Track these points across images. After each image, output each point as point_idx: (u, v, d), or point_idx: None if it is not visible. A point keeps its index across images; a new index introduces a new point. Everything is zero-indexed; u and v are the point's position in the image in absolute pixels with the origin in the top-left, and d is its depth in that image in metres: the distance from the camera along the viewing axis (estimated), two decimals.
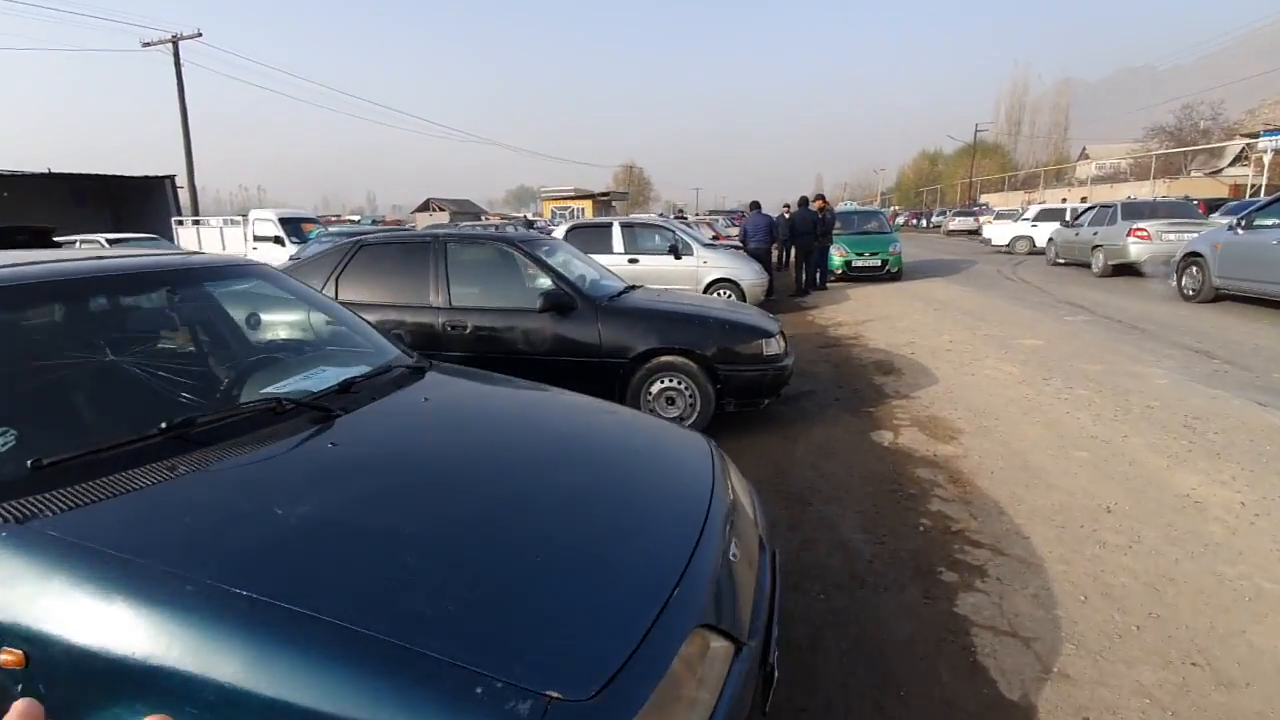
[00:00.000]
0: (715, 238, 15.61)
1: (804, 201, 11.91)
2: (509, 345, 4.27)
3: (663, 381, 4.21)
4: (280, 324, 2.70)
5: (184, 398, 1.94)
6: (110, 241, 10.86)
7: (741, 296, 9.02)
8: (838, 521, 3.09)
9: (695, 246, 9.10)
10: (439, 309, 4.37)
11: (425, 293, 4.42)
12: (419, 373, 2.45)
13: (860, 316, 9.07)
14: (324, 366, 2.35)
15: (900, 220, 45.71)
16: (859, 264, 12.72)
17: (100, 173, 16.46)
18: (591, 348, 4.20)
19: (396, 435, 1.93)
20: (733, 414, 4.30)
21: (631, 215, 16.81)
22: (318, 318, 2.73)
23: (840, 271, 12.70)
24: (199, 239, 13.98)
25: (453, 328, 4.31)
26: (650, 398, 4.24)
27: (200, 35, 17.80)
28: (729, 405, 4.22)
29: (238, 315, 2.60)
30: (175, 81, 17.68)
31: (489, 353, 4.28)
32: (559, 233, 9.42)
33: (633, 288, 5.06)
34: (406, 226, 29.14)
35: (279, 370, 2.27)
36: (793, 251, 12.22)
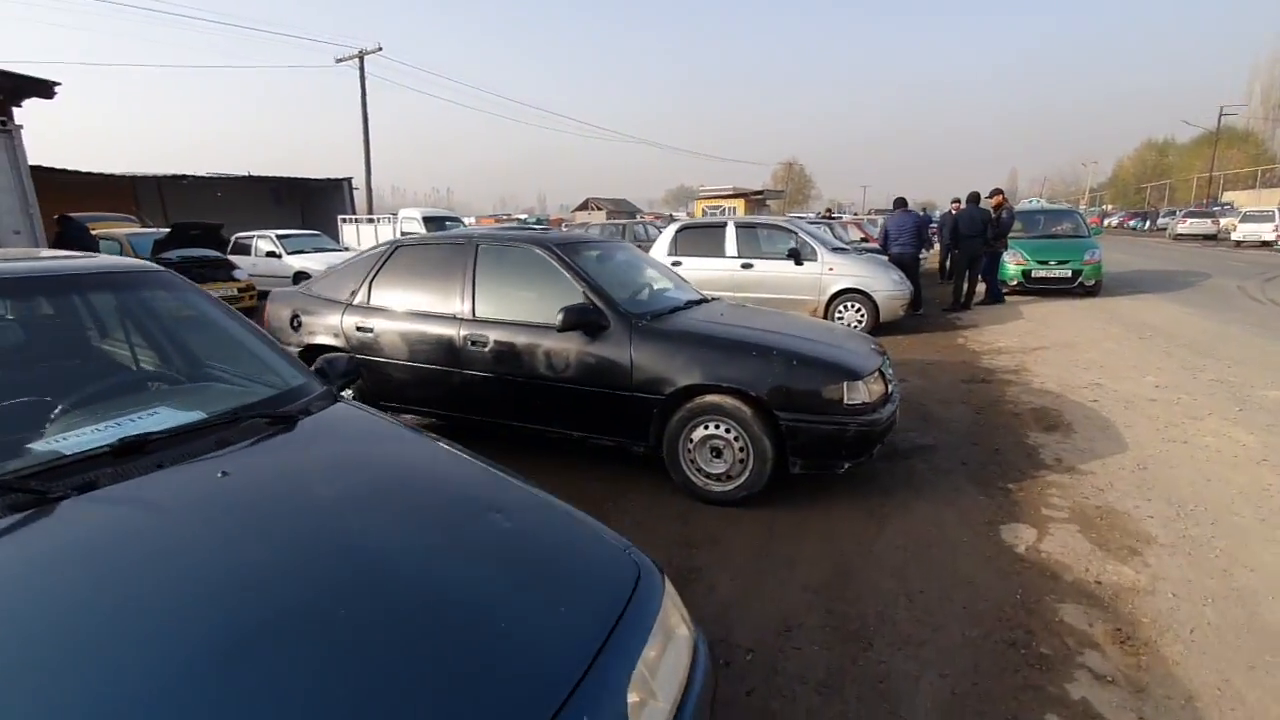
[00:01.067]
0: (864, 240, 13.92)
1: (974, 198, 9.96)
2: (529, 368, 3.58)
3: (707, 427, 3.28)
4: (158, 344, 2.22)
5: None
6: (280, 237, 11.97)
7: (874, 311, 7.62)
8: (903, 694, 1.99)
9: (820, 251, 7.84)
10: (462, 320, 3.81)
11: (452, 301, 3.88)
12: (286, 423, 1.83)
13: (1030, 342, 7.24)
14: (159, 407, 1.80)
15: (1110, 221, 38.92)
16: (1041, 274, 10.46)
17: (290, 176, 18.80)
18: (620, 378, 3.38)
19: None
20: (802, 475, 3.25)
21: (757, 215, 15.56)
22: (211, 339, 2.21)
23: (1016, 283, 10.54)
24: (358, 235, 15.27)
25: (473, 343, 3.73)
26: (691, 447, 3.32)
27: (380, 50, 19.59)
28: (795, 466, 3.18)
29: (114, 330, 2.17)
30: (360, 92, 19.62)
31: (509, 374, 3.63)
32: (667, 234, 8.64)
33: (700, 302, 4.15)
34: (563, 225, 30.09)
35: (98, 409, 1.75)
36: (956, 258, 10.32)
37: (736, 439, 3.22)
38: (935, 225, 12.58)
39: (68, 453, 1.51)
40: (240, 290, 9.75)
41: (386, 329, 4.02)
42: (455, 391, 3.86)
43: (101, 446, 1.53)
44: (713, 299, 4.42)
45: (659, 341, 3.36)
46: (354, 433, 1.92)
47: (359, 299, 4.22)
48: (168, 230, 9.98)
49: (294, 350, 4.44)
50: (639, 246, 5.39)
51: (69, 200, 12.95)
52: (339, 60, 19.94)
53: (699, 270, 8.16)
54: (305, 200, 19.85)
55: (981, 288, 10.20)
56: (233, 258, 10.92)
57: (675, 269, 8.12)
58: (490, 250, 3.96)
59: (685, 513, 3.24)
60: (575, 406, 3.55)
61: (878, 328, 7.63)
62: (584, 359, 3.46)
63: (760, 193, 36.42)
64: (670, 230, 8.73)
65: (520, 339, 3.62)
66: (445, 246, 4.13)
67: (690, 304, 4.02)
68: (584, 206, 55.61)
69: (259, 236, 12.05)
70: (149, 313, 2.22)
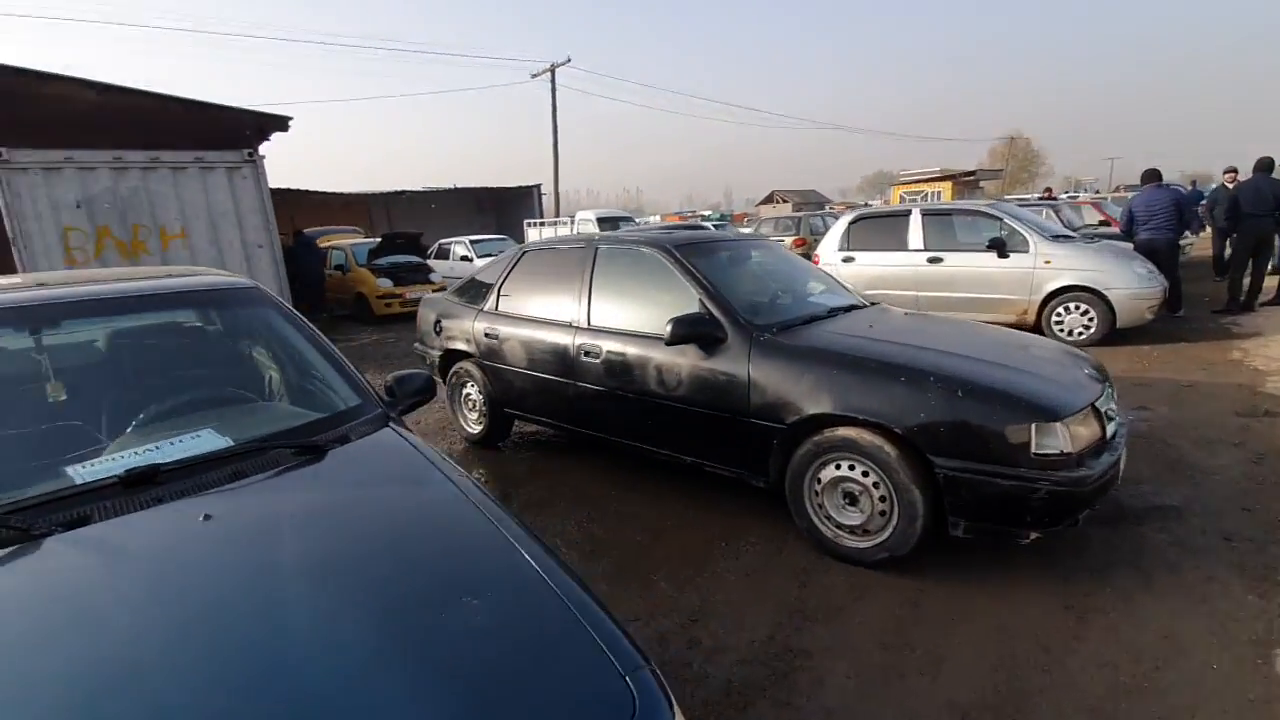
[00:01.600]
0: (1103, 223, 11.46)
1: (1265, 165, 7.55)
2: (640, 384, 3.23)
3: (839, 467, 2.66)
4: (230, 361, 2.22)
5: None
6: (472, 242, 13.07)
7: (1109, 314, 6.07)
8: None
9: (1033, 239, 6.43)
10: (577, 328, 3.58)
11: (569, 308, 3.67)
12: (313, 454, 1.68)
13: None
14: (205, 429, 1.75)
15: None
16: None
17: (488, 185, 20.69)
18: (736, 400, 2.88)
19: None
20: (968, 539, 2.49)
21: (957, 200, 13.55)
22: (283, 356, 2.17)
23: None
24: (540, 237, 16.24)
25: (586, 353, 3.48)
26: (819, 489, 2.73)
27: (569, 61, 20.69)
28: (956, 527, 2.44)
29: (191, 347, 2.22)
30: (550, 103, 20.92)
31: (619, 389, 3.32)
32: (838, 227, 7.73)
33: (849, 309, 3.47)
34: (745, 220, 29.43)
35: (152, 429, 1.74)
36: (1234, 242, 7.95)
37: (876, 485, 2.56)
38: (1205, 203, 9.90)
39: (78, 481, 1.48)
40: (435, 291, 10.76)
41: (510, 335, 3.94)
42: (569, 404, 3.65)
43: (111, 477, 1.47)
44: (869, 304, 3.70)
45: (783, 358, 2.80)
46: (371, 471, 1.72)
47: (489, 304, 4.20)
48: (378, 240, 11.34)
49: (435, 355, 4.59)
50: (816, 240, 4.77)
51: (317, 216, 15.48)
52: (534, 75, 21.44)
53: (875, 267, 7.19)
54: (501, 207, 21.75)
55: (1272, 282, 7.73)
56: (434, 262, 12.13)
57: (846, 266, 7.27)
58: (609, 254, 3.67)
59: (807, 569, 2.66)
60: (687, 429, 3.13)
61: (1113, 336, 6.07)
62: (697, 375, 3.01)
63: (972, 173, 32.30)
64: (842, 222, 7.81)
65: (632, 350, 3.28)
66: (568, 251, 3.93)
67: (834, 312, 3.37)
68: (769, 199, 54.04)
69: (455, 242, 13.26)
70: (229, 329, 2.26)
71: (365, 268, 10.83)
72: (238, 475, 1.56)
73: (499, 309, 4.12)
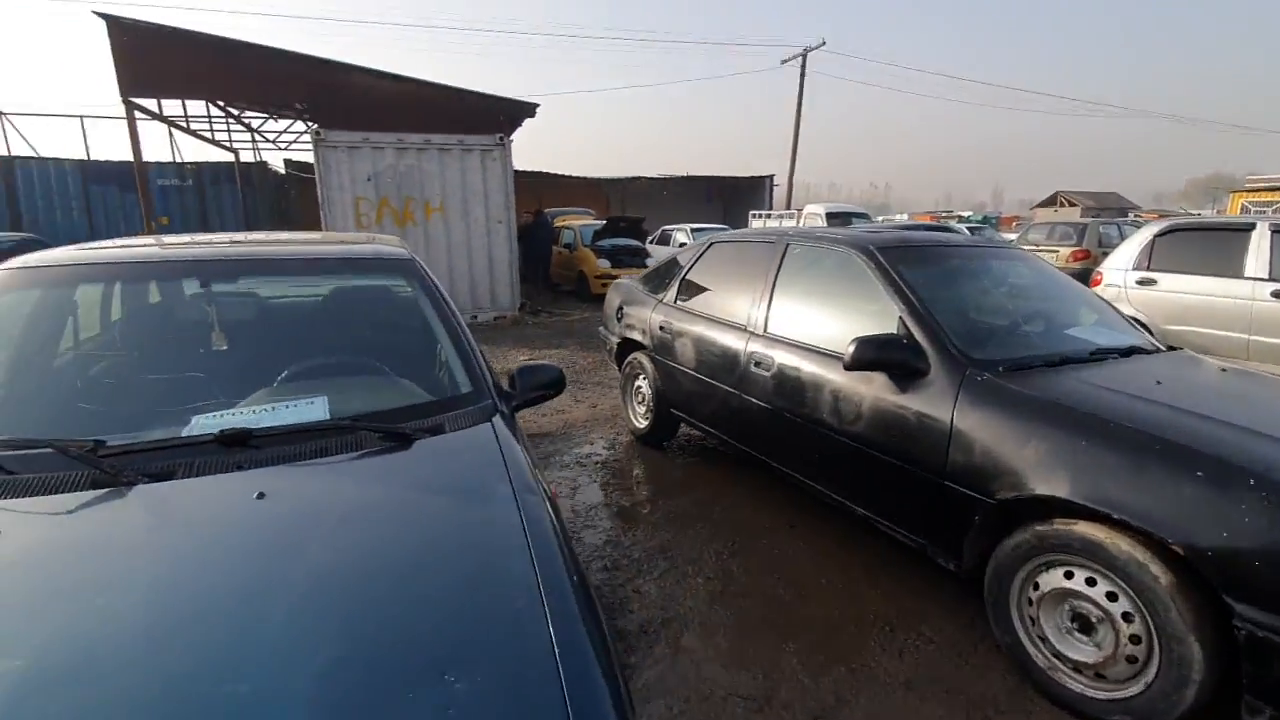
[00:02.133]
0: None
1: None
2: (811, 409, 2.70)
3: (1070, 576, 1.88)
4: (366, 331, 2.21)
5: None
6: (693, 230, 13.07)
7: None
8: None
9: None
10: (752, 334, 3.14)
11: (747, 309, 3.25)
12: (399, 441, 1.56)
13: None
14: (319, 397, 1.72)
15: None
16: None
17: (720, 175, 20.49)
18: (930, 452, 2.22)
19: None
20: None
21: None
22: (415, 331, 2.11)
23: None
24: (764, 228, 15.69)
25: (757, 364, 3.03)
26: (1034, 599, 1.97)
27: (824, 45, 19.50)
28: (1256, 714, 1.56)
29: (336, 313, 2.25)
30: (798, 90, 20.02)
31: (789, 411, 2.83)
32: (1138, 238, 6.01)
33: (1130, 352, 2.52)
34: (1014, 225, 25.53)
35: (279, 391, 1.77)
36: None
37: (1127, 617, 1.76)
38: None
39: (184, 434, 1.50)
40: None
41: (683, 331, 3.63)
42: (733, 416, 3.23)
43: (208, 435, 1.47)
44: (1163, 349, 2.67)
45: (1006, 408, 2.07)
46: (439, 473, 1.53)
47: (669, 296, 3.94)
48: (603, 222, 11.85)
49: (614, 341, 4.48)
50: (1106, 255, 3.65)
51: (560, 197, 16.79)
52: (784, 61, 20.70)
53: (1185, 295, 5.46)
54: (731, 197, 21.57)
55: None
56: (654, 247, 12.37)
57: (1141, 291, 5.67)
58: (800, 252, 3.15)
59: (997, 702, 1.95)
60: (861, 474, 2.53)
61: None
62: (881, 411, 2.40)
63: None
64: (1145, 232, 6.05)
65: (807, 367, 2.75)
66: (756, 246, 3.48)
67: (1102, 354, 2.46)
68: (1050, 201, 46.34)
69: (677, 229, 13.37)
70: (379, 299, 2.27)
71: (589, 248, 11.40)
72: (320, 452, 1.49)
73: (677, 302, 3.84)
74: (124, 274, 1.99)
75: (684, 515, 3.18)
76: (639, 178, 19.63)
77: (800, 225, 14.22)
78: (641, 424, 4.20)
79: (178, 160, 13.08)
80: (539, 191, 15.61)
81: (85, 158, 12.29)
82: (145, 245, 2.12)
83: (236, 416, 1.61)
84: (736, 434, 3.30)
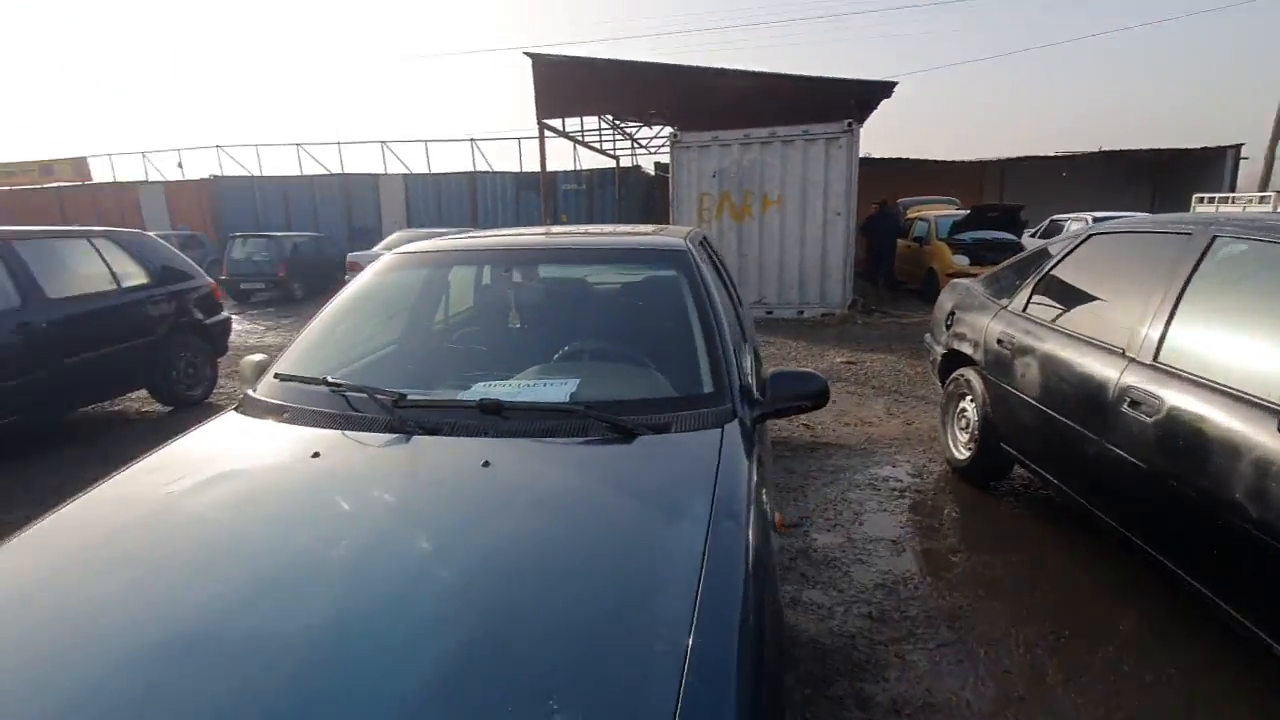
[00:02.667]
0: None
1: None
2: (1216, 483, 1.80)
3: None
4: (632, 317, 2.18)
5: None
6: (1096, 220, 10.45)
7: None
8: None
9: None
10: (1131, 361, 2.27)
11: (1127, 325, 2.36)
12: (622, 435, 1.53)
13: None
14: (575, 379, 1.79)
15: None
16: None
17: (1153, 147, 15.41)
18: None
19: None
20: None
21: None
22: (673, 322, 2.03)
23: None
24: (1218, 214, 11.42)
25: (1134, 403, 2.17)
26: None
27: None
28: None
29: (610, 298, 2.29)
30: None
31: (1177, 477, 1.96)
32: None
33: None
34: None
35: (548, 368, 1.91)
36: None
37: None
38: None
39: (457, 398, 1.69)
40: None
41: (1030, 347, 2.84)
42: (1086, 468, 2.39)
43: (472, 402, 1.63)
44: None
45: None
46: (643, 474, 1.42)
47: (1016, 302, 3.13)
48: (966, 212, 10.25)
49: (938, 352, 3.80)
50: None
51: (917, 185, 15.17)
52: None
53: None
54: (1166, 175, 16.30)
55: None
56: (1037, 241, 10.29)
57: None
58: (1237, 251, 2.13)
59: None
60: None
61: None
62: None
63: None
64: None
65: (1222, 419, 1.84)
66: (1160, 238, 2.49)
67: None
68: None
69: (1072, 219, 10.87)
70: (643, 290, 2.26)
71: (945, 241, 10.05)
72: (549, 432, 1.53)
73: (1027, 310, 3.02)
74: (455, 260, 2.38)
75: (992, 579, 2.50)
76: (1025, 158, 16.30)
77: (1277, 210, 10.09)
78: (961, 455, 3.47)
79: (576, 169, 15.93)
80: (895, 180, 14.37)
81: (518, 170, 15.88)
82: (478, 238, 2.50)
83: (502, 389, 1.75)
84: (1087, 491, 2.44)
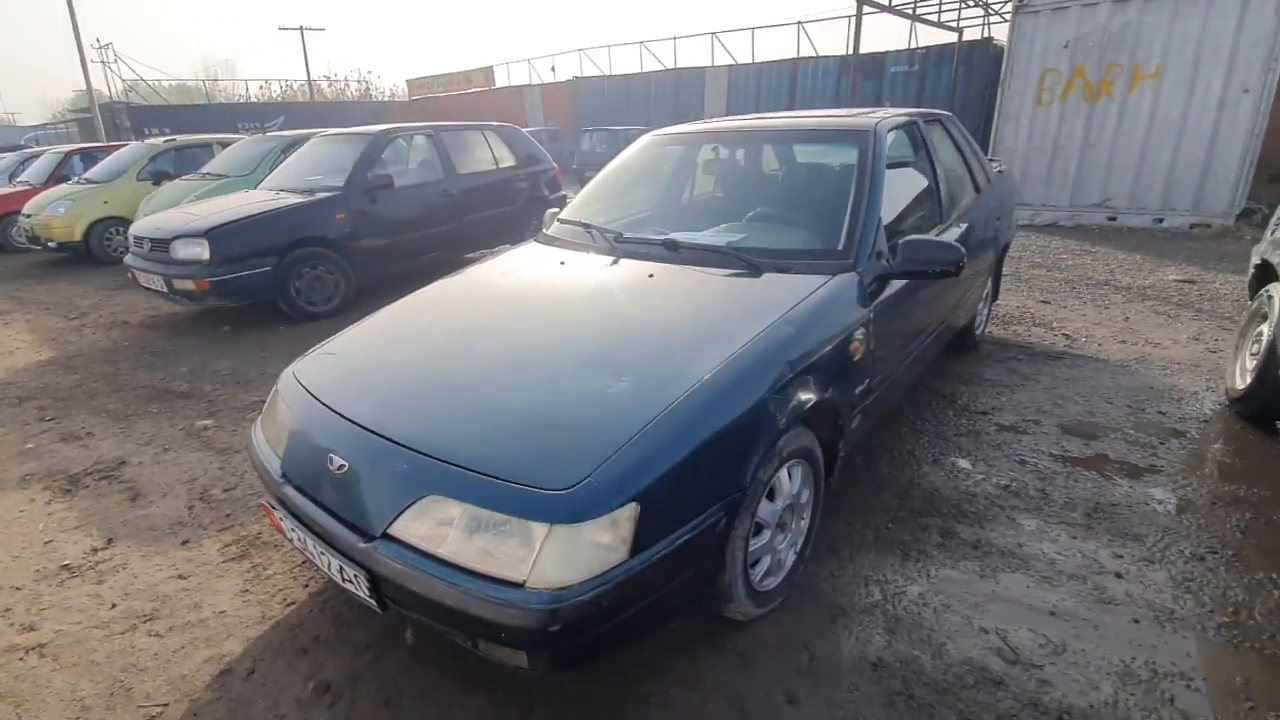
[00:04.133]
0: None
1: None
2: None
3: None
4: (810, 186, 2.51)
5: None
6: None
7: None
8: None
9: None
10: None
11: None
12: (750, 270, 2.08)
13: None
14: (740, 233, 2.35)
15: None
16: None
17: None
18: None
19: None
20: None
21: None
22: (841, 197, 2.35)
23: None
24: None
25: None
26: None
27: None
28: None
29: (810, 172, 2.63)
30: None
31: None
32: None
33: None
34: None
35: (729, 224, 2.48)
36: None
37: None
38: None
39: (656, 238, 2.38)
40: None
41: None
42: None
43: (657, 239, 2.31)
44: None
45: None
46: (758, 294, 1.96)
47: None
48: None
49: (1253, 264, 3.14)
50: None
51: None
52: None
53: None
54: None
55: None
56: None
57: None
58: None
59: None
60: None
61: None
62: None
63: None
64: None
65: None
66: None
67: None
68: None
69: None
70: (825, 166, 2.55)
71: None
72: (702, 262, 2.14)
73: None
74: (683, 140, 2.97)
75: (1181, 501, 2.34)
76: None
77: None
78: (1240, 384, 2.96)
79: (911, 48, 14.33)
80: None
81: (846, 53, 14.98)
82: (704, 125, 3.04)
83: (688, 235, 2.38)
84: None
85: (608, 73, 20.97)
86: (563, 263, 2.36)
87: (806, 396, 1.70)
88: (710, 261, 2.12)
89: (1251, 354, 2.96)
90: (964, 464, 2.60)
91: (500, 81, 25.46)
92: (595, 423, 1.41)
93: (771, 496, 1.72)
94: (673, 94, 18.42)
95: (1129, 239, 6.98)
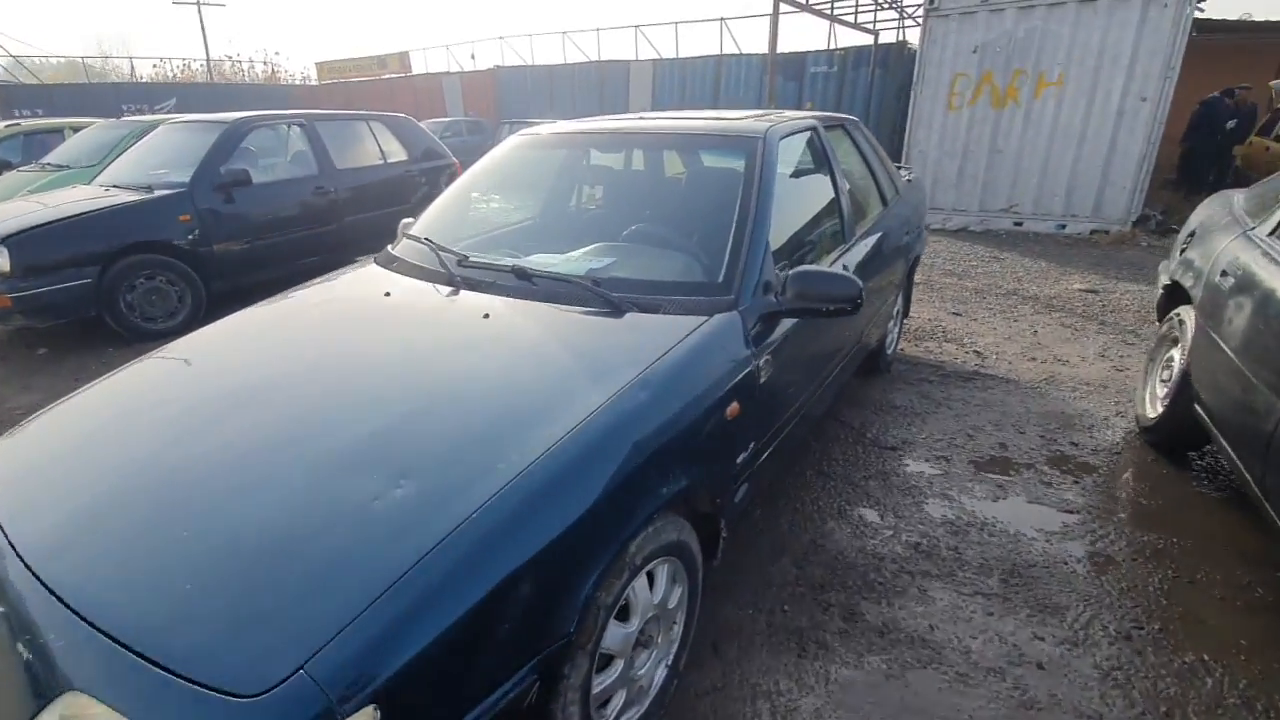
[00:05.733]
0: None
1: None
2: None
3: None
4: (688, 200, 2.14)
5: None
6: None
7: None
8: None
9: None
10: None
11: None
12: (608, 309, 1.68)
13: None
14: (606, 259, 1.94)
15: None
16: None
17: None
18: None
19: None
20: None
21: None
22: (728, 218, 1.99)
23: None
24: None
25: None
26: None
27: None
28: None
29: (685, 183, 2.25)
30: None
31: None
32: None
33: None
34: None
35: (596, 248, 2.06)
36: None
37: None
38: None
39: (503, 263, 1.94)
40: None
41: (1253, 284, 2.13)
42: (1270, 451, 1.83)
43: (505, 266, 1.87)
44: None
45: None
46: (612, 343, 1.57)
47: (1268, 223, 2.32)
48: None
49: (1162, 283, 3.01)
50: None
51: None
52: None
53: None
54: None
55: None
56: None
57: None
58: None
59: None
60: None
61: None
62: None
63: None
64: None
65: None
66: None
67: None
68: None
69: None
70: (708, 178, 2.19)
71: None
72: (552, 297, 1.72)
73: (1276, 233, 2.23)
74: (556, 144, 2.54)
75: (1093, 552, 2.11)
76: None
77: None
78: (1150, 413, 2.81)
79: (831, 48, 14.40)
80: (1249, 54, 10.43)
81: (768, 52, 14.91)
82: (578, 124, 2.61)
83: (545, 260, 1.95)
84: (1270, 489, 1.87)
85: (530, 63, 20.20)
86: (388, 294, 1.89)
87: (668, 483, 1.32)
88: (564, 296, 1.71)
89: (1162, 380, 2.82)
90: (872, 516, 2.30)
91: (418, 68, 24.15)
92: (335, 567, 0.96)
93: (625, 616, 1.33)
94: (597, 86, 17.89)
95: (1034, 245, 7.07)
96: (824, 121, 2.54)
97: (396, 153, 5.98)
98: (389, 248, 2.31)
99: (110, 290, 4.04)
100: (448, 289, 1.86)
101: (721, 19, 15.56)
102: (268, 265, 4.84)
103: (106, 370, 1.74)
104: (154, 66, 31.52)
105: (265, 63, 39.60)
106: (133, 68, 29.68)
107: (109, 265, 4.01)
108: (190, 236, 4.35)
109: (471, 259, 1.95)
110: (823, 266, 1.81)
